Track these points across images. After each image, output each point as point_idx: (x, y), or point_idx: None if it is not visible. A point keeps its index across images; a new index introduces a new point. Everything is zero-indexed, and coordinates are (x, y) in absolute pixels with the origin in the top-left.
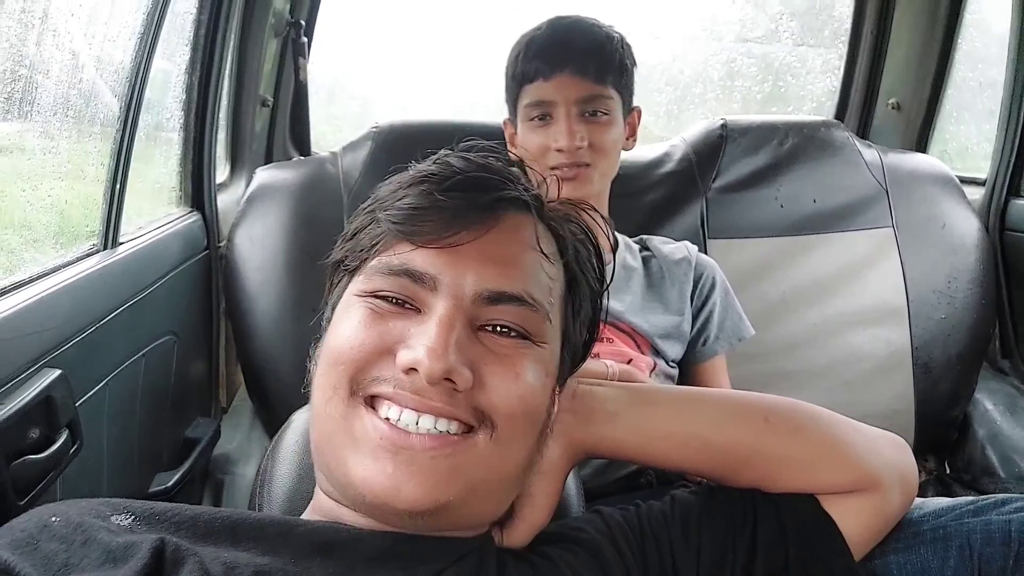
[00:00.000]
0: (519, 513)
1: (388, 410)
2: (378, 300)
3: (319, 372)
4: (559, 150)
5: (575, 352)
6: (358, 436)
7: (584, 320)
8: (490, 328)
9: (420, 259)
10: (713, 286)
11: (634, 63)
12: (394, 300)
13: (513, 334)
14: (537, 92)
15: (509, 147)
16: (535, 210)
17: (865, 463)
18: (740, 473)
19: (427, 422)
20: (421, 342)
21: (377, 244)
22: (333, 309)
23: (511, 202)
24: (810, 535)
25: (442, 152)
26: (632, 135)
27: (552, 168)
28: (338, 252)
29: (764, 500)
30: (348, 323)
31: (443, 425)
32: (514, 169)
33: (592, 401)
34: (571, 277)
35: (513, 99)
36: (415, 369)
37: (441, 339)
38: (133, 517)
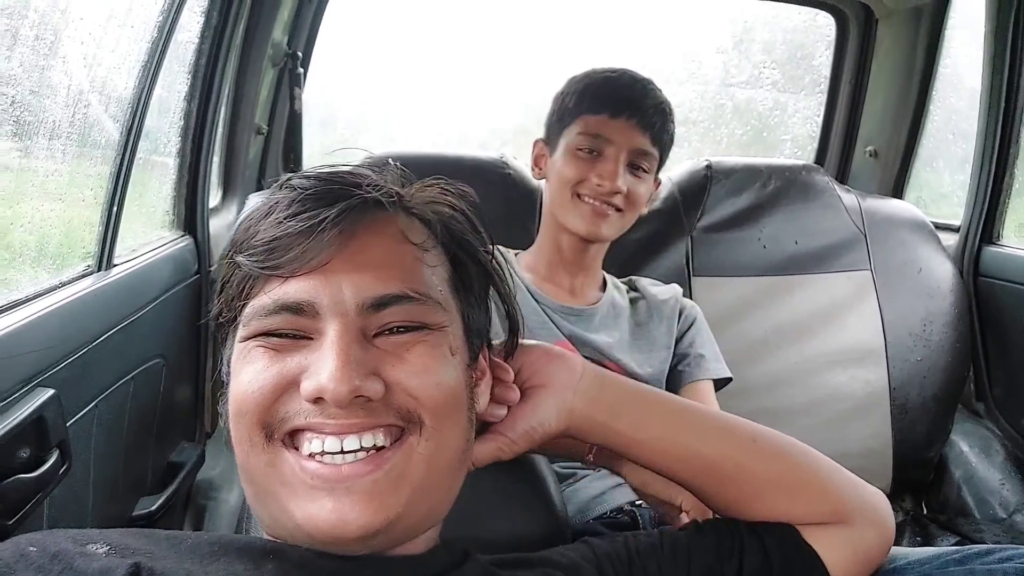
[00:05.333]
0: (492, 437)
1: (310, 444)
2: (270, 337)
3: (231, 427)
4: (599, 185)
5: (480, 327)
6: (289, 479)
7: (479, 294)
8: (386, 332)
9: (293, 289)
10: (694, 321)
11: (673, 136)
12: (283, 334)
13: (409, 330)
14: (597, 126)
15: (532, 166)
16: (393, 205)
17: (843, 494)
18: (722, 488)
19: (352, 443)
20: (320, 368)
21: (245, 289)
22: (229, 364)
23: (364, 205)
24: (794, 566)
25: (284, 177)
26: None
27: (581, 195)
28: (215, 309)
29: (748, 531)
30: (247, 369)
31: (369, 440)
32: (363, 171)
33: (601, 390)
34: (452, 256)
35: (563, 124)
36: (321, 398)
37: (339, 361)
38: (109, 546)
